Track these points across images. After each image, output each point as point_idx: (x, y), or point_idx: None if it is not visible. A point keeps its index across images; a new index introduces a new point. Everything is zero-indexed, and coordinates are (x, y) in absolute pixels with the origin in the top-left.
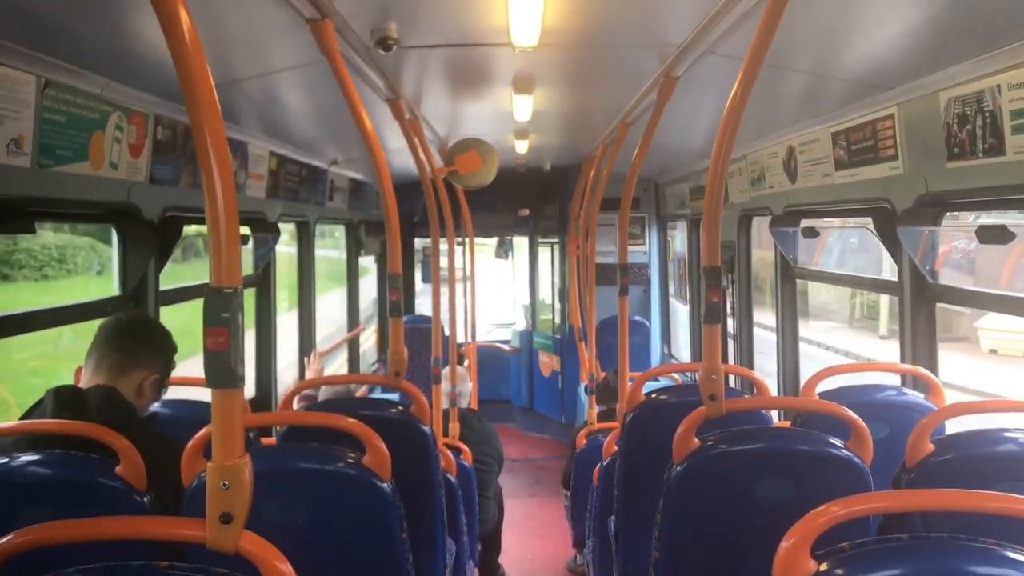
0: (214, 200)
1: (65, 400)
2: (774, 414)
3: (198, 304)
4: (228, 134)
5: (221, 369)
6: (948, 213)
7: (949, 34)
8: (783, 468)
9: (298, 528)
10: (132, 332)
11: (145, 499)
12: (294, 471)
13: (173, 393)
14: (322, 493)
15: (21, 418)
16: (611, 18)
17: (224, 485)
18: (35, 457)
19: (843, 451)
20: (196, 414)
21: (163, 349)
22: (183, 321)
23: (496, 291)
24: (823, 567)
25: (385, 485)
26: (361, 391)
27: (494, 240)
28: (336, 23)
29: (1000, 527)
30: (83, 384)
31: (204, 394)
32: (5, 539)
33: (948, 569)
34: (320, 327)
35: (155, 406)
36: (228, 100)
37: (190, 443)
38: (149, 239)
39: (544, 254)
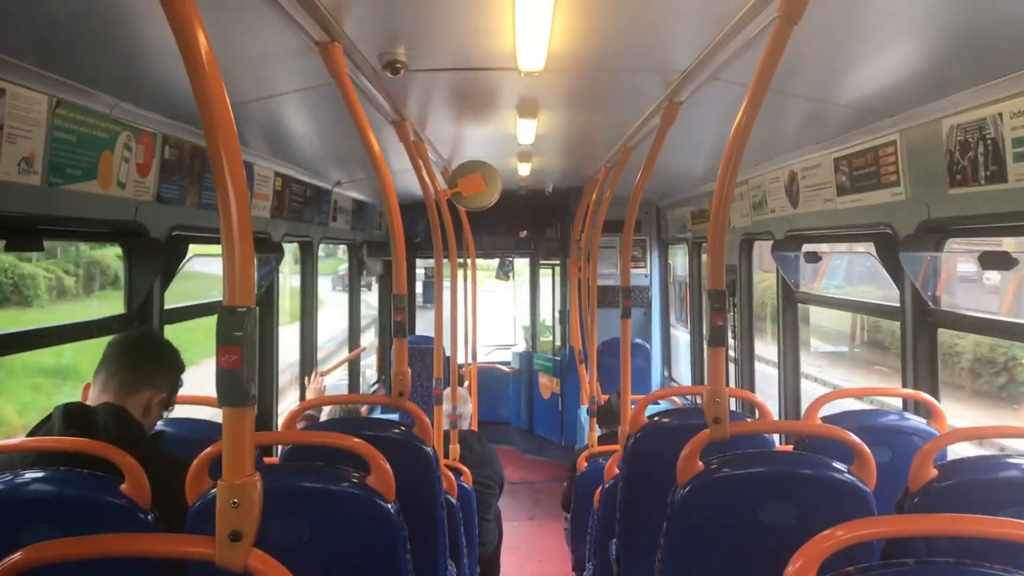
0: (229, 220)
1: (73, 418)
2: (776, 438)
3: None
4: None
5: (233, 388)
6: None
7: (951, 62)
8: (787, 492)
9: (302, 547)
10: (141, 351)
11: (149, 517)
12: (299, 490)
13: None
14: (326, 513)
15: (28, 434)
16: (617, 43)
17: (234, 503)
18: (39, 474)
19: (847, 476)
20: (199, 433)
21: (171, 369)
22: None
23: (497, 312)
24: None
25: (389, 506)
26: (362, 411)
27: (495, 262)
28: (345, 46)
29: (1004, 553)
30: (91, 401)
31: (205, 412)
32: (11, 558)
33: None
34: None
35: (158, 424)
36: (236, 121)
37: (196, 461)
38: (155, 258)
39: (545, 276)
